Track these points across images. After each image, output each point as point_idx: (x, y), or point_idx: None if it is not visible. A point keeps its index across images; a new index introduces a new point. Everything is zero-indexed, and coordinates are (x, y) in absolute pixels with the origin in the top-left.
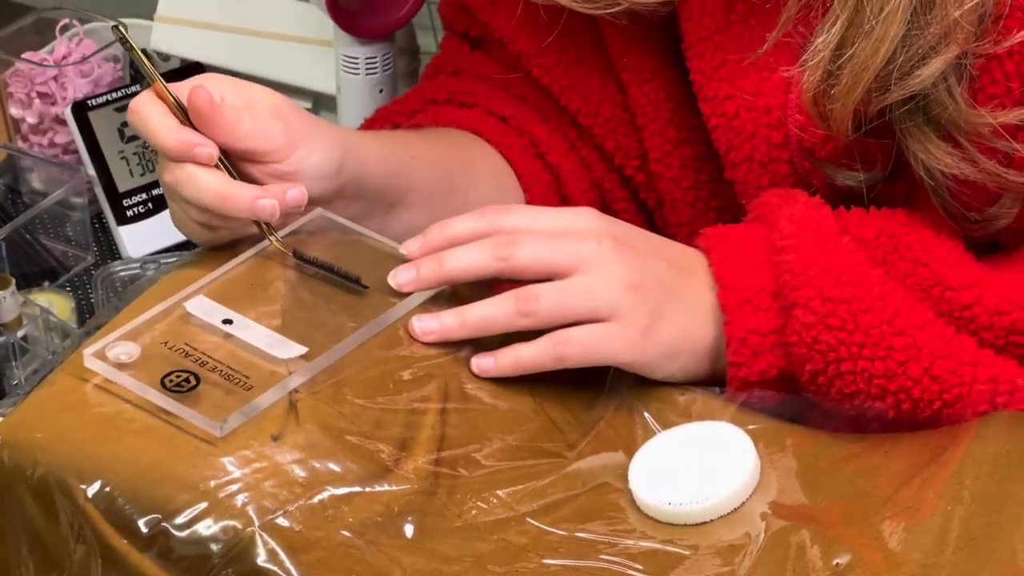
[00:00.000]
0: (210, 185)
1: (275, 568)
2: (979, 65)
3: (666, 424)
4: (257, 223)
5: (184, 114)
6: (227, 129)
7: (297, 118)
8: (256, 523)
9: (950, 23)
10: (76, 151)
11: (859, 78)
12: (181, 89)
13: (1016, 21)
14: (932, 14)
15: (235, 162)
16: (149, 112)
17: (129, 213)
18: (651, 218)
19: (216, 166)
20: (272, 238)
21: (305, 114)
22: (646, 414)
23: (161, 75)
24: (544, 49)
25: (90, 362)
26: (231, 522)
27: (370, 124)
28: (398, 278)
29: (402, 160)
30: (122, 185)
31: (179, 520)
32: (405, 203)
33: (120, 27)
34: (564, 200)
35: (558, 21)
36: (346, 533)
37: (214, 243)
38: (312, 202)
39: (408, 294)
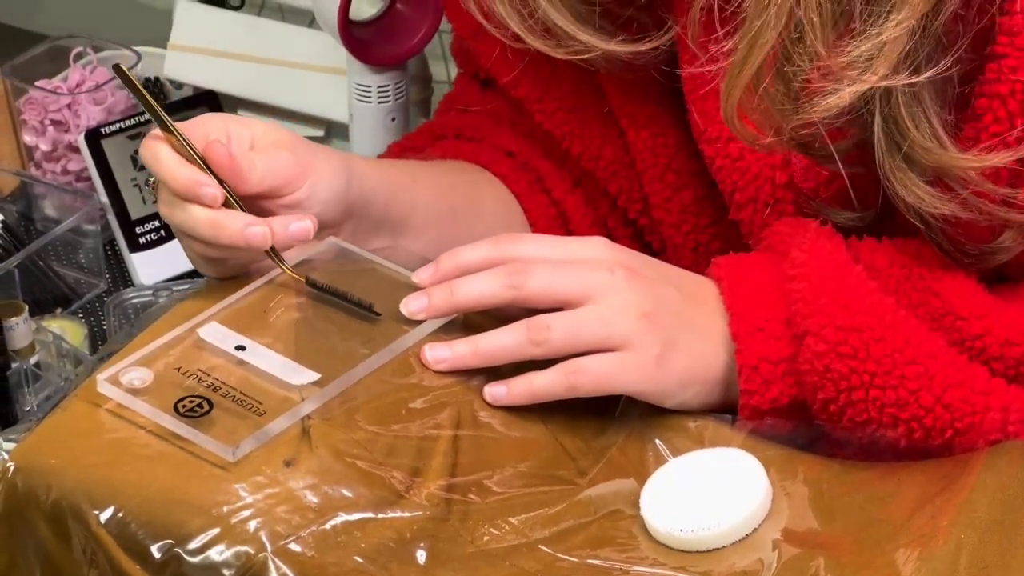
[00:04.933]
0: (201, 214)
1: None
2: (980, 104)
3: (677, 451)
4: (268, 253)
5: (190, 151)
6: (245, 177)
7: (302, 147)
8: (269, 548)
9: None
10: (89, 178)
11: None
12: (190, 130)
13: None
14: (798, 49)
15: (250, 200)
16: (160, 148)
17: (141, 240)
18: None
19: (224, 204)
20: (284, 267)
21: (307, 142)
22: (657, 441)
23: (173, 103)
24: (545, 95)
25: (103, 387)
26: (244, 547)
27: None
28: (410, 306)
29: (404, 184)
30: (135, 212)
31: (192, 545)
32: (410, 228)
33: (121, 68)
34: (569, 235)
35: (556, 67)
36: (358, 559)
37: (223, 275)
38: (325, 225)
39: (420, 322)
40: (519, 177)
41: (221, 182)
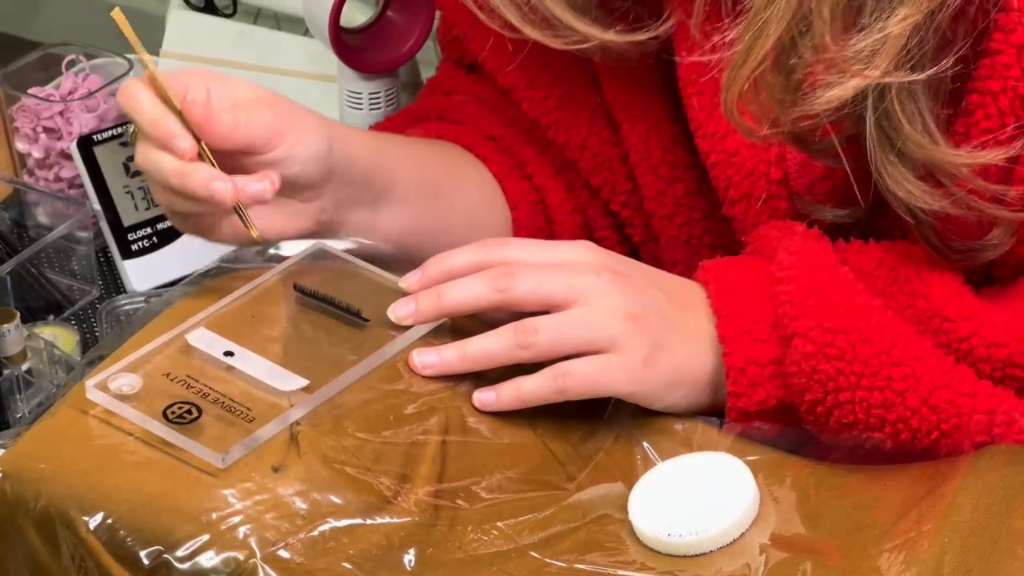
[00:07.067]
0: (170, 164)
1: None
2: (972, 100)
3: (665, 455)
4: (236, 212)
5: (170, 101)
6: (223, 132)
7: (283, 105)
8: (258, 554)
9: (837, 57)
10: (81, 185)
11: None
12: (171, 81)
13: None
14: (804, 41)
15: (229, 156)
16: (139, 95)
17: (134, 247)
18: (635, 252)
19: (199, 157)
20: (249, 225)
21: (288, 100)
22: (645, 444)
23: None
24: (533, 82)
25: (92, 393)
26: (233, 553)
27: None
28: (397, 311)
29: (387, 151)
30: (127, 219)
31: (181, 552)
32: (391, 200)
33: (120, 13)
34: (549, 221)
35: (548, 56)
36: (347, 565)
37: (195, 233)
38: (304, 187)
39: (408, 327)
40: (501, 160)
41: (196, 137)
